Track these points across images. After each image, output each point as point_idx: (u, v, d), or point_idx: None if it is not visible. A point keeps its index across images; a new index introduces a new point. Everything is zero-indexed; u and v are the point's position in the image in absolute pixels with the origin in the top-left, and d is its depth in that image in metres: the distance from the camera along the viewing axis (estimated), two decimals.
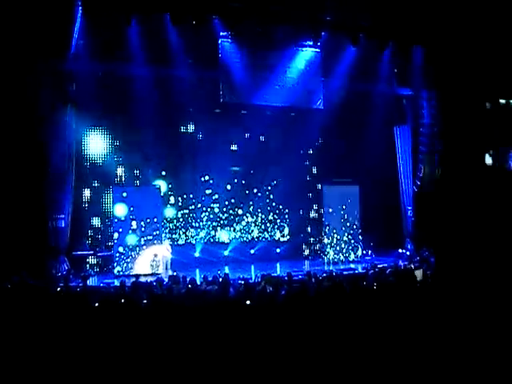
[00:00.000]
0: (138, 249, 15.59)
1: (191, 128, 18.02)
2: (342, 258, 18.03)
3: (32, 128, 14.10)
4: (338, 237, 18.20)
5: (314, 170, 19.86)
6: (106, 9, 14.70)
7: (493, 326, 6.93)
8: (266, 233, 19.09)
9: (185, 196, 17.93)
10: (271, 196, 19.18)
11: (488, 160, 19.99)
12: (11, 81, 13.79)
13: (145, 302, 9.22)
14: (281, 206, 19.32)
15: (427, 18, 16.74)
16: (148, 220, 15.75)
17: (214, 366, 6.05)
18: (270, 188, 19.13)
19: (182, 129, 17.93)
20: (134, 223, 15.65)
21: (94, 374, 5.91)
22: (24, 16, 13.48)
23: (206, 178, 18.20)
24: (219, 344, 6.42)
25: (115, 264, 15.47)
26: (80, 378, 5.91)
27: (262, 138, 18.80)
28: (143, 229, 15.71)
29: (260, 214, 19.04)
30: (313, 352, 6.37)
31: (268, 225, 19.16)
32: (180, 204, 17.89)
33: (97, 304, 8.21)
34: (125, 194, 15.71)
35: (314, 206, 19.67)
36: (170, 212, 17.61)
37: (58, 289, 11.41)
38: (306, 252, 19.32)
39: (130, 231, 15.64)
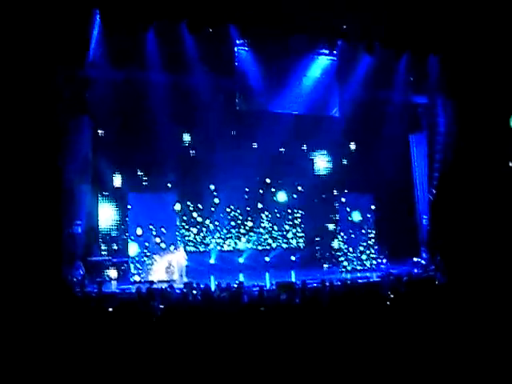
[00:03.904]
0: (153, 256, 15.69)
1: (206, 135, 17.98)
2: (356, 266, 17.97)
3: (49, 136, 14.17)
4: (353, 245, 18.14)
5: (329, 178, 19.82)
6: (124, 17, 14.84)
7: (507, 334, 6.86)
8: (281, 241, 19.12)
9: (199, 205, 18.11)
10: (287, 203, 19.20)
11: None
12: (29, 89, 13.88)
13: (160, 307, 9.28)
14: (296, 214, 19.34)
15: (443, 26, 16.66)
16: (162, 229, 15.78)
17: (228, 372, 6.06)
18: (285, 195, 19.15)
19: (198, 135, 17.96)
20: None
21: (108, 379, 5.95)
22: (42, 23, 13.56)
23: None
24: (233, 350, 6.43)
25: (131, 271, 15.57)
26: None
27: (277, 146, 18.72)
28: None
29: (275, 222, 19.08)
30: (326, 359, 6.36)
31: (284, 233, 19.19)
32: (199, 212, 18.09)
33: (112, 309, 8.26)
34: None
35: (330, 214, 19.57)
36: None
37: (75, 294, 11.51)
38: (321, 260, 19.22)
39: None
